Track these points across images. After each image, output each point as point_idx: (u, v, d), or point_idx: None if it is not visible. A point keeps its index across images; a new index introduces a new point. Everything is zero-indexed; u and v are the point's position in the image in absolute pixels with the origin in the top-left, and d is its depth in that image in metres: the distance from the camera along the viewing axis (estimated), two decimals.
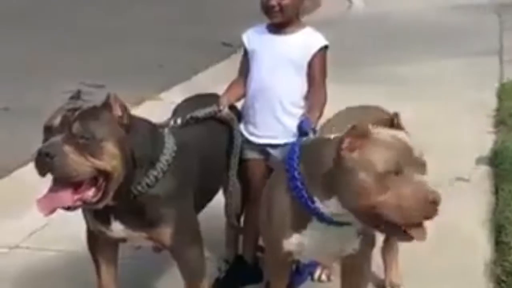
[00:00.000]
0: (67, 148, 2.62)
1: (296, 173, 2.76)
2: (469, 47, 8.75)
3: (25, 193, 4.84)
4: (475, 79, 7.29)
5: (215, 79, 7.84)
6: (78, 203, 2.71)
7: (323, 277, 3.70)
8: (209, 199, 3.38)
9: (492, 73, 7.60)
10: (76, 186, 2.69)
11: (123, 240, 3.07)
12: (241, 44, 3.66)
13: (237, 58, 9.23)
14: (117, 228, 2.95)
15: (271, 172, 3.52)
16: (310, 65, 3.46)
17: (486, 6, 11.41)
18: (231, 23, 10.51)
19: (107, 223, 2.94)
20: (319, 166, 2.65)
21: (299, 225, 2.81)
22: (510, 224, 4.04)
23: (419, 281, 3.60)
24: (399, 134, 2.60)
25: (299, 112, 3.48)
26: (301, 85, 3.48)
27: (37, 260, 3.97)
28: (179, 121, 3.27)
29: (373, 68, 7.78)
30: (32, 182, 4.96)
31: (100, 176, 2.71)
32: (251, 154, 3.56)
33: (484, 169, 5.08)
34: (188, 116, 3.32)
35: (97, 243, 3.17)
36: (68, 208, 2.70)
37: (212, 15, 11.26)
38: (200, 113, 3.39)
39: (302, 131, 3.23)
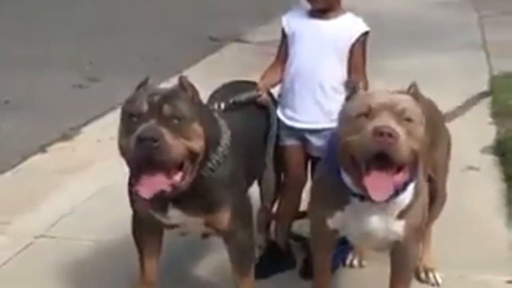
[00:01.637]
0: (165, 131, 2.63)
1: (330, 150, 2.89)
2: (454, 42, 8.85)
3: (35, 184, 4.87)
4: (465, 73, 7.39)
5: (206, 73, 7.86)
6: (170, 188, 2.72)
7: (355, 262, 3.74)
8: (251, 184, 3.39)
9: (481, 67, 7.72)
10: (167, 171, 2.70)
11: (176, 226, 3.06)
12: (281, 27, 3.64)
13: (225, 52, 9.31)
14: (174, 215, 2.94)
15: (308, 159, 3.60)
16: (351, 50, 3.48)
17: (463, 2, 11.55)
18: (217, 18, 10.55)
19: (164, 210, 2.93)
20: None
21: (341, 203, 2.89)
22: None
23: (449, 267, 3.65)
24: (394, 93, 2.74)
25: (339, 98, 3.45)
26: (341, 70, 3.49)
27: (65, 249, 3.95)
28: (222, 105, 3.29)
29: None
30: (42, 173, 5.06)
31: (187, 159, 2.73)
32: (289, 140, 3.57)
33: (491, 158, 5.17)
34: (231, 101, 3.34)
35: (144, 231, 3.17)
36: (162, 192, 2.71)
37: (198, 10, 11.22)
38: (241, 97, 3.41)
39: None
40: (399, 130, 2.56)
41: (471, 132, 5.58)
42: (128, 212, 3.21)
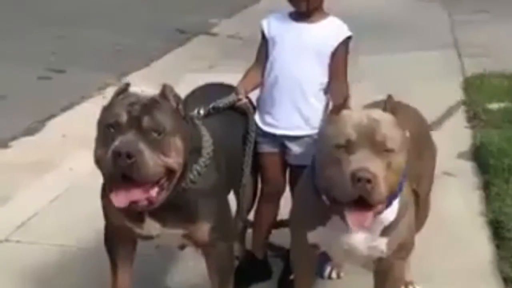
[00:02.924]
0: (143, 146, 2.49)
1: (313, 165, 2.80)
2: (425, 41, 8.68)
3: None
4: (437, 73, 7.27)
5: (174, 65, 7.73)
6: (145, 202, 2.59)
7: (333, 274, 3.63)
8: (229, 192, 3.26)
9: (452, 67, 7.61)
10: (143, 185, 2.56)
11: (150, 237, 2.90)
12: (260, 30, 3.49)
13: (193, 44, 9.13)
14: (151, 226, 2.80)
15: (286, 166, 3.47)
16: (333, 55, 3.37)
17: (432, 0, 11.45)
18: (184, 11, 10.38)
19: (140, 220, 2.79)
20: None
21: (322, 218, 2.78)
22: (510, 219, 4.04)
23: (428, 281, 3.55)
24: (373, 116, 2.60)
25: (319, 103, 3.39)
26: (322, 76, 3.38)
27: (31, 254, 3.79)
28: (202, 111, 3.14)
29: None
30: (5, 169, 4.86)
31: (164, 176, 2.59)
32: (267, 147, 3.45)
33: (467, 164, 5.08)
34: (210, 106, 3.20)
35: (116, 241, 3.04)
36: (136, 203, 2.57)
37: (165, 2, 11.00)
38: (221, 103, 3.27)
39: None
40: (378, 166, 2.47)
41: (446, 137, 5.46)
42: (96, 214, 3.08)
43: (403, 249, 2.88)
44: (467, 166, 5.05)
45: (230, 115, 3.32)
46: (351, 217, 2.54)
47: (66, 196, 4.46)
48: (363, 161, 2.48)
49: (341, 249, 2.85)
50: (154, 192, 2.60)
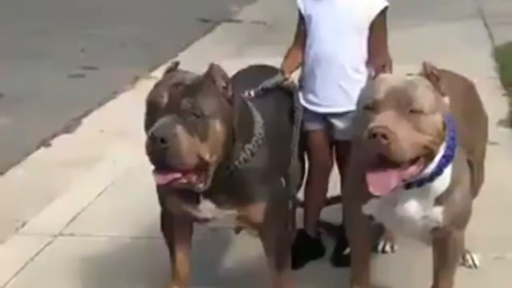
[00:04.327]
0: (179, 130, 2.52)
1: None
2: (451, 11, 8.72)
3: (44, 180, 4.72)
4: (466, 42, 7.27)
5: (201, 54, 7.70)
6: (185, 180, 2.61)
7: (387, 248, 3.64)
8: (282, 173, 3.25)
9: (481, 36, 7.61)
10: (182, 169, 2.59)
11: (206, 220, 2.93)
12: (297, 9, 3.49)
13: (217, 33, 9.11)
14: (206, 208, 2.83)
15: (333, 143, 3.48)
16: (372, 27, 3.37)
17: None
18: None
19: (195, 202, 2.82)
20: None
21: None
22: None
23: (478, 249, 3.53)
24: (407, 79, 2.62)
25: (361, 78, 3.36)
26: (361, 49, 3.39)
27: (85, 246, 3.81)
28: (252, 92, 3.15)
29: None
30: (49, 168, 4.89)
31: (199, 167, 2.61)
32: (312, 125, 3.46)
33: (509, 131, 5.08)
34: (259, 87, 3.21)
35: (173, 226, 3.07)
36: (176, 180, 2.60)
37: None
38: (269, 83, 3.27)
39: None
40: (400, 125, 2.46)
41: (484, 105, 5.45)
42: (146, 203, 3.15)
43: (460, 218, 2.87)
44: (509, 134, 5.04)
45: (276, 95, 3.32)
46: (371, 179, 2.54)
47: (113, 188, 4.48)
48: (384, 119, 2.48)
49: (396, 220, 2.85)
50: (193, 177, 2.63)
